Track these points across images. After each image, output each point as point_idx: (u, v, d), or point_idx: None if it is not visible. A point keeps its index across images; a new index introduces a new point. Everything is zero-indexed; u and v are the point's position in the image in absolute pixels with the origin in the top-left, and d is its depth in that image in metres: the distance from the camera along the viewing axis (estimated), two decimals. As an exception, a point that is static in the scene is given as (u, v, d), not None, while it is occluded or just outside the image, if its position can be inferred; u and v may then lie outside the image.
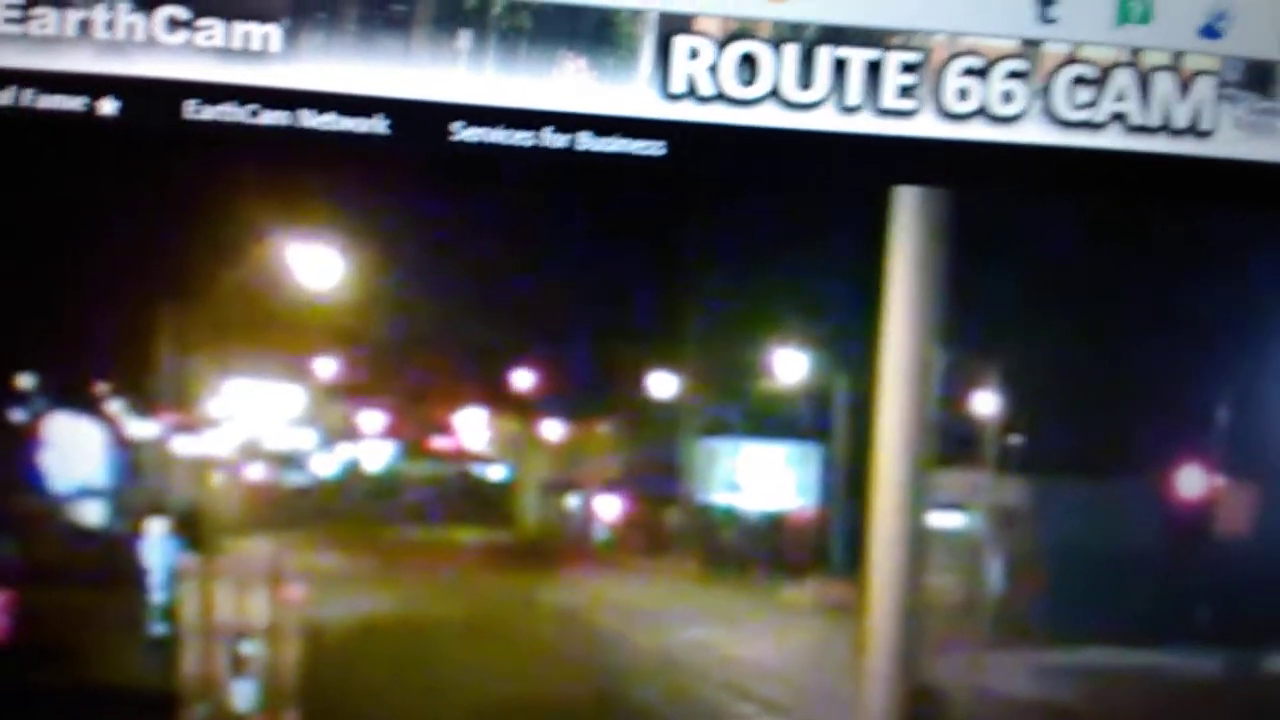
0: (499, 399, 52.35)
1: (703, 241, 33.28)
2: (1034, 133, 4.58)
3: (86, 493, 37.44)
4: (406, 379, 51.55)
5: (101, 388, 52.53)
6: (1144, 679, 19.56)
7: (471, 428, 56.07)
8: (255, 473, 51.71)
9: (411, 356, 46.84)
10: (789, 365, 33.54)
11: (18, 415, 46.51)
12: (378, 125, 4.60)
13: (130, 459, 39.57)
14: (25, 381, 47.28)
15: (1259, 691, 19.28)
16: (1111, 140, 4.59)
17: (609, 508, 39.78)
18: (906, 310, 6.66)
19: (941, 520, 23.20)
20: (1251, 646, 20.28)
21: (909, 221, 6.73)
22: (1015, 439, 30.86)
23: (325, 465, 57.11)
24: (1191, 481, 25.80)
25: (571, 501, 42.95)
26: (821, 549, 31.58)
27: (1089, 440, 26.14)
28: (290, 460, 54.70)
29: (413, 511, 48.70)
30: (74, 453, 37.15)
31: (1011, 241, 22.39)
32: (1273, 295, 24.09)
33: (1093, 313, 26.82)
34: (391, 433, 59.34)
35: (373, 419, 59.66)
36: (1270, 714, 16.85)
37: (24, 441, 38.62)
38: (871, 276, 7.20)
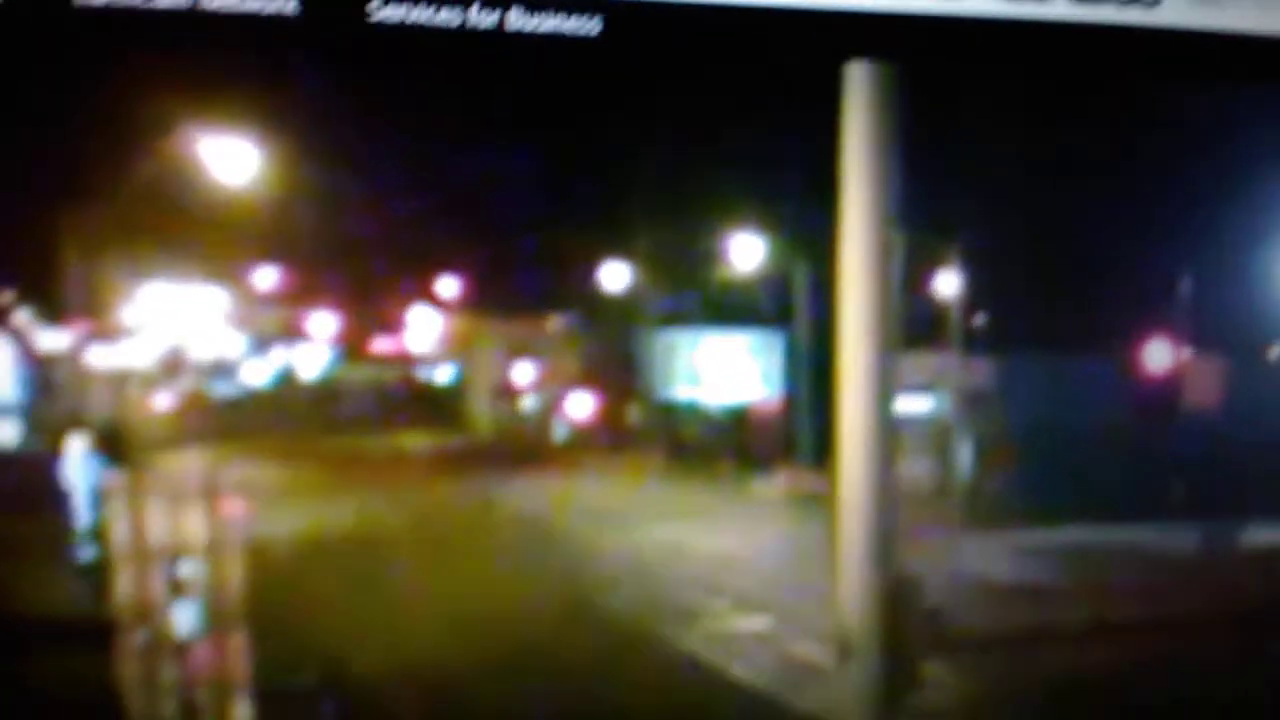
0: (441, 297, 52.12)
1: (648, 125, 33.04)
2: (983, 3, 4.56)
3: (-3, 410, 37.09)
4: (342, 279, 51.14)
5: (5, 297, 51.68)
6: (1121, 555, 20.30)
7: (414, 329, 55.81)
8: (182, 384, 51.36)
9: (345, 254, 46.40)
10: (746, 251, 33.60)
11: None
12: (287, 5, 4.46)
13: (42, 373, 39.11)
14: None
15: (1237, 564, 19.98)
16: (1060, 11, 4.59)
17: (566, 407, 39.98)
18: (864, 191, 6.68)
19: (909, 405, 23.64)
20: (1227, 518, 21.02)
21: (861, 98, 6.72)
22: (980, 319, 31.40)
23: (257, 374, 56.79)
24: (1158, 355, 26.61)
25: (526, 402, 43.12)
26: (788, 440, 32.00)
27: (1054, 318, 26.85)
28: (218, 369, 54.34)
29: (355, 420, 48.72)
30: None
31: (969, 119, 22.54)
32: (1234, 166, 24.52)
33: (1053, 189, 27.21)
34: (328, 337, 58.97)
35: (307, 322, 59.23)
36: (1248, 586, 17.50)
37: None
38: (828, 157, 7.21)
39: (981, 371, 25.73)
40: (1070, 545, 20.94)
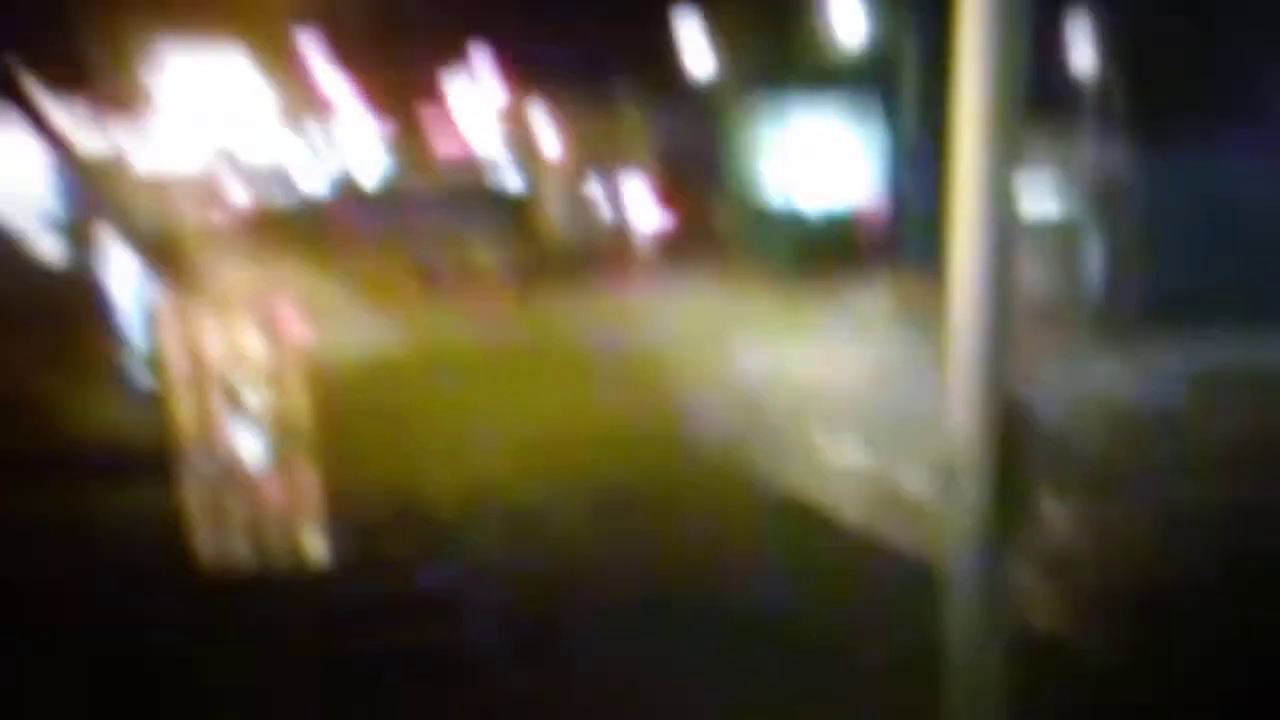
0: (507, 88, 51.51)
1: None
2: None
3: (39, 223, 37.70)
4: (397, 71, 50.69)
5: (35, 88, 52.12)
6: (1268, 379, 19.21)
7: (478, 127, 55.45)
8: (233, 192, 51.92)
9: (400, 42, 45.83)
10: (847, 25, 32.46)
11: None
12: None
13: (86, 182, 39.59)
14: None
15: None
16: None
17: (648, 213, 39.78)
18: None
19: (1033, 202, 22.61)
20: None
21: None
22: (1117, 95, 29.65)
23: (312, 180, 57.11)
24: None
25: (603, 207, 42.95)
26: (894, 246, 31.53)
27: (1201, 84, 24.59)
28: (271, 175, 54.73)
29: (422, 231, 48.97)
30: (18, 177, 37.14)
31: None
32: None
33: None
34: (386, 138, 58.88)
35: (363, 124, 59.11)
36: None
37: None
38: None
39: (1116, 163, 23.97)
40: (1212, 368, 19.97)
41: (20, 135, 38.24)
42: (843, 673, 9.42)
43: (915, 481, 14.17)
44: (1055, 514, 11.97)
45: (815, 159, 34.70)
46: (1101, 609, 10.90)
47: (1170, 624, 10.43)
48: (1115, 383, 19.31)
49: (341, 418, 14.10)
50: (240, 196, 51.55)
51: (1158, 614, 10.59)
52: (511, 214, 49.89)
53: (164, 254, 25.78)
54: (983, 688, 6.65)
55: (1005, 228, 6.48)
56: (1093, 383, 18.87)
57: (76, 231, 36.32)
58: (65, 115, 46.61)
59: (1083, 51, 24.93)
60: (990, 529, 6.64)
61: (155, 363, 16.03)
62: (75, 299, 26.29)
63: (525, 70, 47.12)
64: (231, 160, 52.92)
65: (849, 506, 13.82)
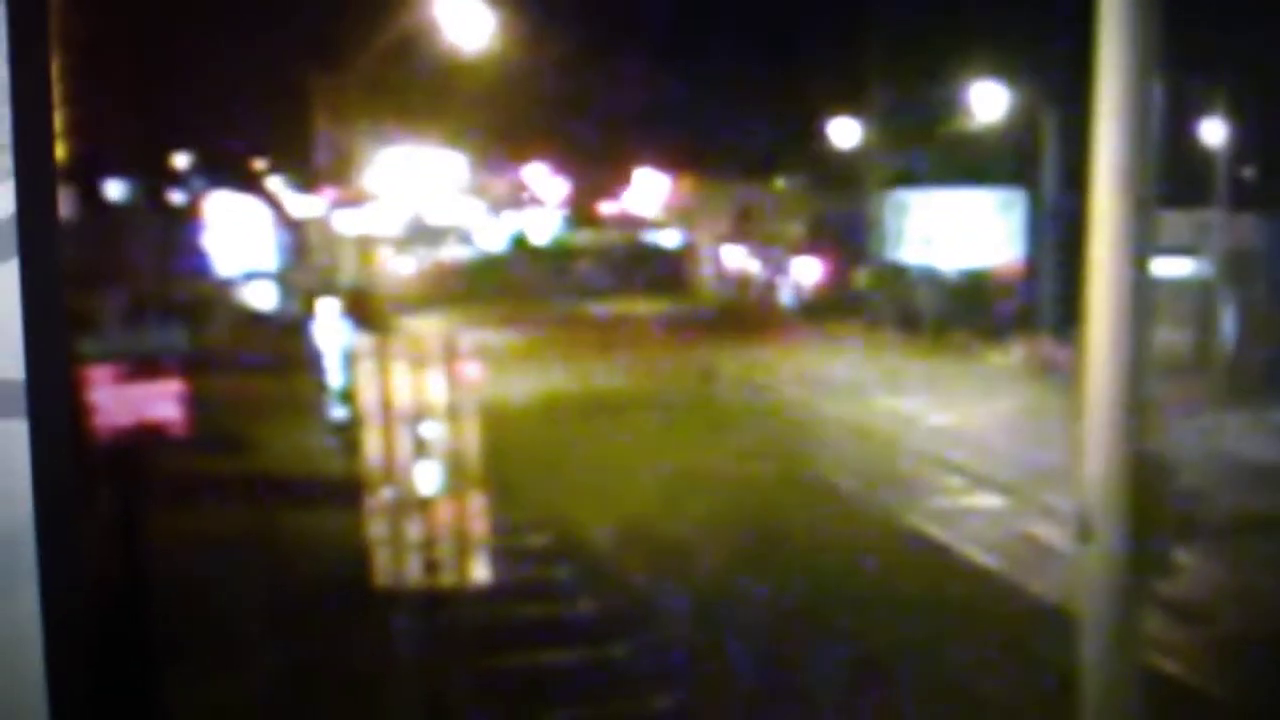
0: (669, 159, 52.01)
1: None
2: None
3: (254, 275, 39.17)
4: (571, 140, 51.58)
5: (260, 164, 54.30)
6: None
7: (641, 192, 56.08)
8: (421, 248, 53.24)
9: (575, 116, 46.68)
10: (988, 100, 31.96)
11: (176, 196, 48.63)
12: None
13: (295, 239, 41.06)
14: (181, 161, 49.17)
15: None
16: None
17: (794, 272, 39.55)
18: (1122, 27, 6.12)
19: (1168, 267, 22.05)
20: None
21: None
22: (1250, 172, 28.79)
23: (491, 239, 58.34)
24: None
25: (753, 266, 42.88)
26: (1029, 306, 30.78)
27: None
28: (455, 234, 56.06)
29: (584, 284, 49.53)
30: (238, 234, 38.71)
31: None
32: None
33: None
34: (558, 200, 59.90)
35: (537, 182, 60.26)
36: None
37: (186, 224, 40.39)
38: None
39: (1249, 230, 23.45)
40: None
41: (247, 202, 39.93)
42: (968, 712, 9.07)
43: (1043, 526, 13.73)
44: (1187, 562, 11.44)
45: (955, 222, 34.18)
46: (1233, 656, 10.36)
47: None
48: (1245, 438, 18.50)
49: (508, 451, 14.19)
50: (428, 253, 52.75)
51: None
52: (669, 270, 50.14)
53: (361, 301, 26.41)
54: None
55: (1139, 288, 6.23)
56: (1223, 438, 18.11)
57: (288, 282, 37.66)
58: (283, 185, 48.50)
59: (1218, 135, 24.32)
60: (1124, 576, 6.32)
61: (348, 399, 16.39)
62: (283, 341, 27.15)
63: (689, 149, 47.57)
64: (420, 219, 54.21)
65: (975, 547, 13.42)
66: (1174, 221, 20.68)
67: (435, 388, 11.64)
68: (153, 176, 43.74)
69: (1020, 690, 9.09)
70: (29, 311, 1.97)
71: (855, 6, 34.31)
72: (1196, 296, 23.58)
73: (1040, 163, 30.37)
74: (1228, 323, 23.35)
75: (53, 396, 1.98)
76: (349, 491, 12.19)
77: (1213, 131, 24.64)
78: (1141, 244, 6.26)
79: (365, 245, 42.02)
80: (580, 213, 59.96)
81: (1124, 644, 6.34)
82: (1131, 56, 6.22)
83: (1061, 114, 28.67)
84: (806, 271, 39.33)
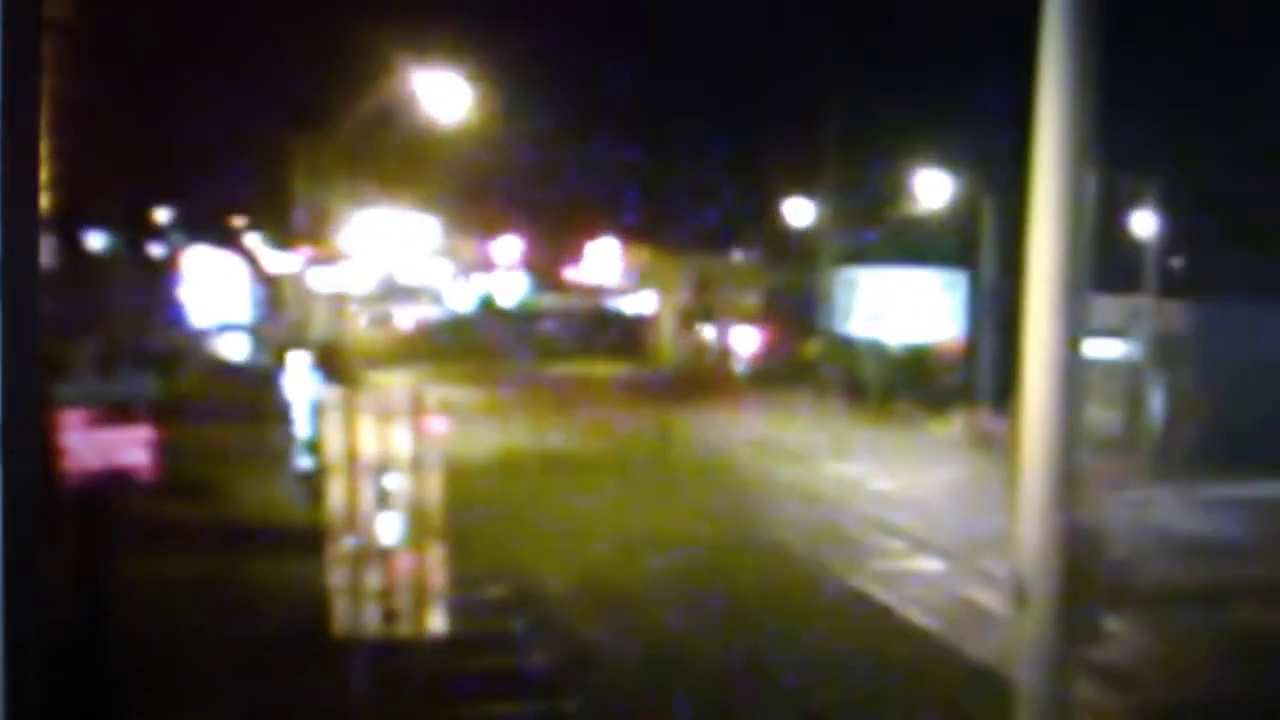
0: (631, 229, 52.33)
1: (840, 60, 32.17)
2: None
3: (228, 327, 38.89)
4: (539, 210, 51.82)
5: (238, 221, 54.12)
6: None
7: (604, 260, 56.29)
8: (392, 306, 53.09)
9: (544, 187, 46.94)
10: (932, 187, 32.51)
11: (156, 250, 48.31)
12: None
13: (269, 293, 40.84)
14: (161, 216, 48.94)
15: None
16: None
17: (747, 340, 39.72)
18: (1058, 125, 6.21)
19: (1100, 349, 22.24)
20: None
21: (1060, 29, 6.26)
22: (1177, 263, 29.21)
23: (460, 300, 58.23)
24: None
25: (708, 334, 43.05)
26: (969, 380, 31.06)
27: (1257, 263, 24.44)
28: (425, 294, 55.95)
29: (548, 345, 49.49)
30: (214, 287, 38.50)
31: (1167, 47, 20.73)
32: None
33: (1261, 126, 24.88)
34: (525, 265, 59.99)
35: (506, 251, 60.35)
36: None
37: (164, 276, 40.12)
38: (1020, 91, 6.80)
39: (1177, 316, 23.59)
40: (1265, 500, 19.41)
41: (219, 255, 39.65)
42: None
43: (980, 591, 13.72)
44: (1118, 630, 11.45)
45: (901, 299, 34.55)
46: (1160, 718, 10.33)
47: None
48: (1172, 512, 18.61)
49: (469, 505, 14.06)
50: (398, 312, 52.62)
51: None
52: (628, 335, 50.13)
53: (331, 356, 26.19)
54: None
55: (1071, 368, 6.30)
56: (1152, 512, 18.20)
57: (260, 335, 37.39)
58: (259, 239, 48.19)
59: (1148, 227, 24.71)
60: (1058, 641, 6.30)
61: (316, 449, 16.19)
62: (253, 391, 26.87)
63: (650, 220, 47.91)
64: (392, 281, 54.10)
65: (915, 609, 13.38)
66: (1106, 306, 20.96)
67: (400, 441, 11.50)
68: (134, 229, 43.47)
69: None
70: (5, 355, 1.91)
71: (811, 94, 34.86)
72: (1126, 377, 23.85)
73: (980, 246, 30.81)
74: (1156, 403, 23.59)
75: (25, 439, 1.91)
76: (311, 539, 11.99)
77: (1143, 223, 25.12)
78: (1074, 326, 6.34)
79: (337, 302, 41.77)
80: (545, 277, 60.00)
81: (1057, 707, 6.30)
82: (1066, 152, 6.34)
83: (1001, 201, 29.15)
84: (748, 341, 39.58)
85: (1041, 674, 6.32)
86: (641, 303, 51.76)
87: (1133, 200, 24.80)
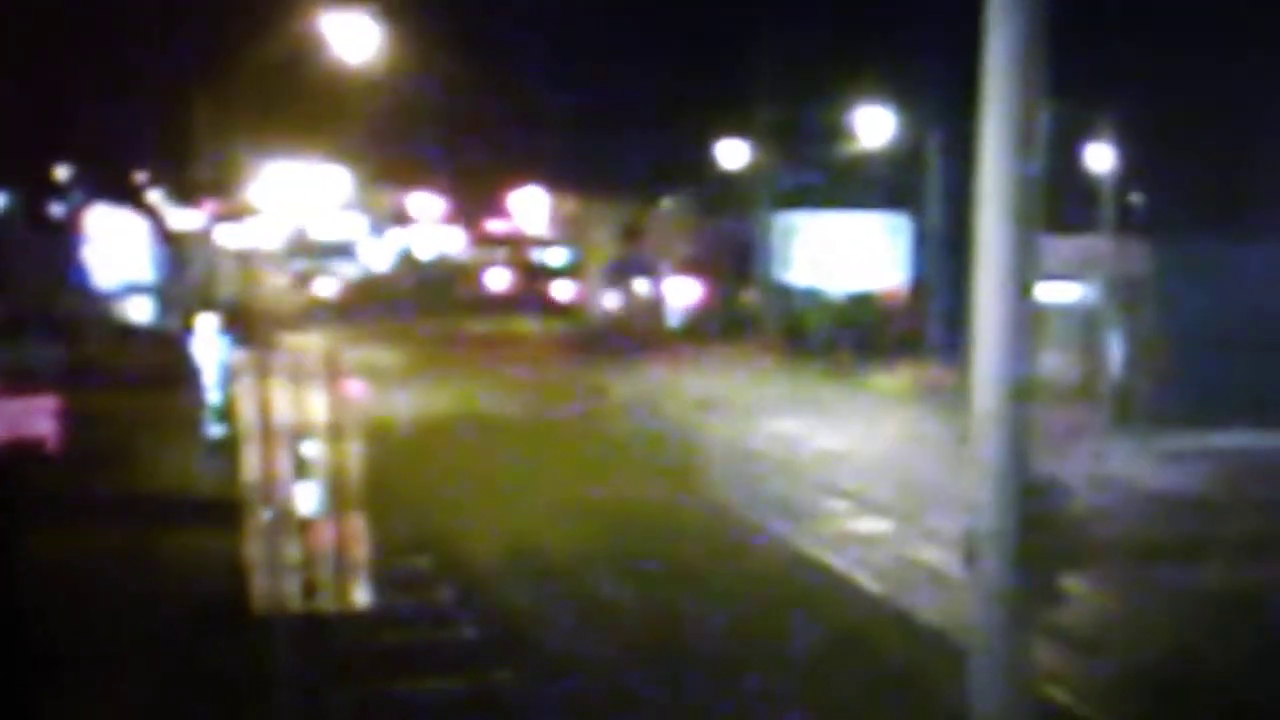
0: (557, 178, 51.84)
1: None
2: None
3: (132, 289, 38.16)
4: (458, 158, 51.16)
5: (140, 177, 52.91)
6: (1276, 467, 18.67)
7: (530, 209, 55.77)
8: (304, 263, 52.32)
9: (464, 135, 46.30)
10: (874, 124, 32.18)
11: (56, 209, 47.17)
12: None
13: (175, 252, 40.10)
14: (61, 173, 47.75)
15: None
16: None
17: (685, 292, 39.58)
18: (1007, 53, 6.09)
19: (1054, 293, 21.99)
20: None
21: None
22: (1136, 199, 28.93)
23: (376, 255, 57.53)
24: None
25: (640, 286, 42.87)
26: (916, 330, 31.16)
27: (1222, 199, 24.05)
28: (339, 250, 55.19)
29: (469, 302, 49.07)
30: (117, 247, 37.69)
31: None
32: None
33: (1223, 45, 24.33)
34: (444, 218, 59.33)
35: (423, 203, 59.62)
36: None
37: (65, 237, 39.21)
38: (968, 15, 6.68)
39: (1136, 257, 23.08)
40: (1228, 452, 19.52)
41: (121, 213, 38.79)
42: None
43: (929, 550, 13.78)
44: (1075, 589, 11.50)
45: (840, 246, 34.55)
46: (1120, 685, 10.41)
47: (1181, 700, 9.96)
48: (1131, 464, 18.75)
49: (391, 471, 13.89)
50: (311, 269, 51.87)
51: (1174, 691, 10.11)
52: (555, 288, 49.70)
53: (241, 317, 25.75)
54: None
55: (1026, 313, 6.23)
56: (1110, 464, 18.33)
57: (167, 296, 36.69)
58: (162, 195, 47.20)
59: (1104, 161, 24.37)
60: (1013, 604, 6.27)
61: (226, 415, 15.93)
62: (162, 356, 26.39)
63: (576, 168, 47.50)
64: (303, 235, 53.33)
65: (861, 572, 13.40)
66: (1061, 247, 20.73)
67: (316, 406, 11.28)
68: (31, 188, 42.41)
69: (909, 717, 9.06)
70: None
71: (744, 29, 34.54)
72: (1084, 323, 23.49)
73: (925, 187, 30.76)
74: (1115, 350, 23.36)
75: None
76: (225, 511, 11.77)
77: (1099, 157, 24.69)
78: (1026, 268, 6.25)
79: (246, 260, 41.05)
80: (467, 229, 59.37)
81: (1012, 670, 6.28)
82: (1017, 81, 6.21)
83: (946, 138, 29.04)
84: (685, 293, 39.42)
85: (997, 639, 6.29)
86: (568, 255, 51.46)
87: (1087, 132, 24.51)
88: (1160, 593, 12.72)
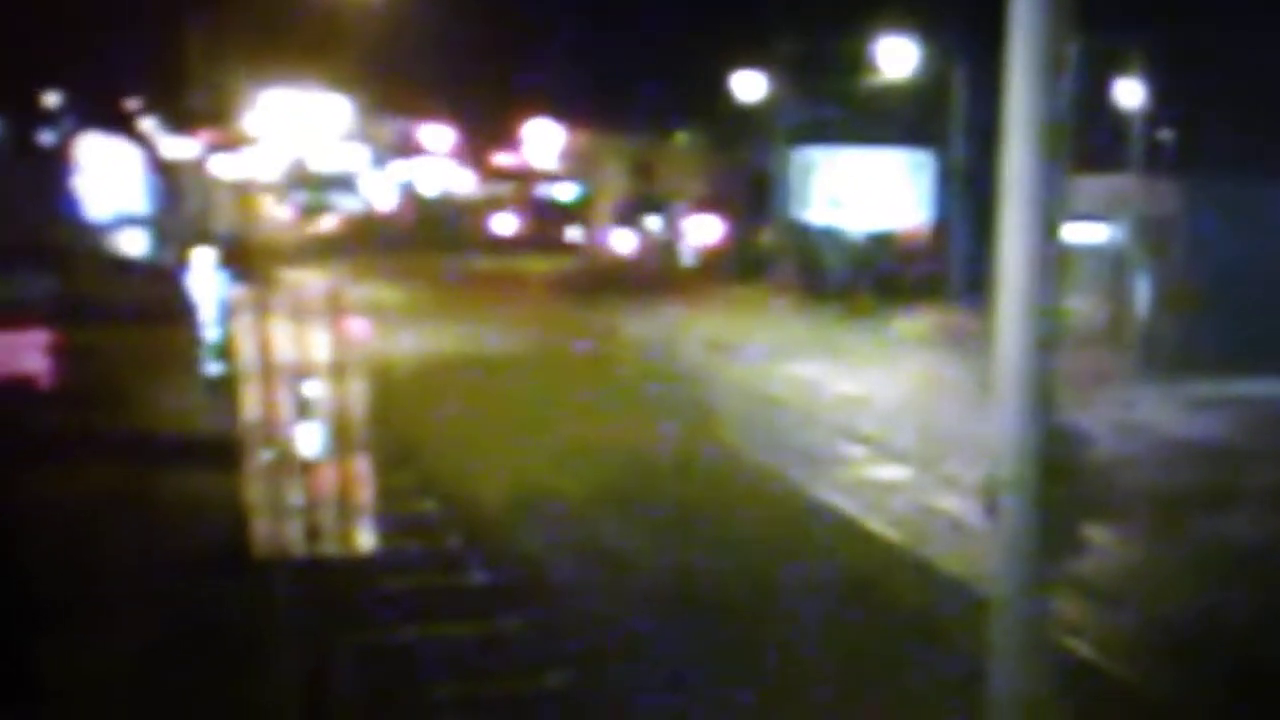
0: (566, 110, 51.44)
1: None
2: None
3: (126, 221, 38.08)
4: (464, 89, 50.82)
5: (132, 104, 52.61)
6: None
7: (542, 142, 55.37)
8: (303, 195, 52.17)
9: (465, 62, 45.97)
10: (896, 55, 31.86)
11: (46, 138, 46.98)
12: None
13: (169, 183, 39.98)
14: (51, 100, 47.48)
15: None
16: None
17: (700, 229, 39.44)
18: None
19: (1081, 234, 21.83)
20: None
21: None
22: (1166, 135, 28.56)
23: (378, 189, 57.29)
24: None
25: (651, 222, 42.73)
26: (938, 271, 31.06)
27: (1256, 136, 23.68)
28: (339, 182, 54.96)
29: (475, 238, 48.93)
30: (110, 177, 37.57)
31: None
32: None
33: None
34: (445, 150, 58.96)
35: (434, 135, 59.22)
36: None
37: (55, 167, 39.07)
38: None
39: (1166, 197, 22.91)
40: (1257, 400, 19.43)
41: (113, 141, 38.64)
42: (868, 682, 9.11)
43: (950, 498, 13.84)
44: (1099, 541, 11.55)
45: (860, 183, 34.33)
46: (1144, 638, 10.50)
47: (1205, 655, 10.05)
48: (1158, 411, 18.73)
49: (395, 412, 13.95)
50: (311, 201, 51.75)
51: (1196, 644, 10.20)
52: (565, 225, 49.50)
53: (239, 251, 25.76)
54: (1026, 711, 6.33)
55: (1051, 255, 6.20)
56: (1136, 411, 18.33)
57: (162, 229, 36.66)
58: (155, 124, 46.98)
59: (1134, 96, 24.01)
60: (1034, 554, 6.32)
61: (225, 353, 15.98)
62: (157, 290, 26.41)
63: (586, 100, 47.16)
64: (303, 169, 53.12)
65: (881, 519, 13.48)
66: (1088, 187, 20.56)
67: (319, 344, 11.31)
68: (20, 116, 42.26)
69: (927, 673, 9.15)
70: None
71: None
72: (1110, 265, 23.43)
73: (950, 122, 30.49)
74: (1142, 293, 23.24)
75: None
76: (225, 451, 11.85)
77: (1129, 92, 24.31)
78: (1054, 207, 6.22)
79: (244, 191, 40.97)
80: (473, 163, 59.04)
81: (1034, 625, 6.35)
82: (1044, 11, 6.17)
83: (971, 71, 28.74)
84: (704, 231, 39.24)
85: (1017, 589, 6.35)
86: (577, 190, 51.23)
87: (1117, 67, 24.15)
88: (1185, 544, 12.77)
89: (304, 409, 11.29)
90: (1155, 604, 11.14)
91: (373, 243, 43.66)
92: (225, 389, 13.45)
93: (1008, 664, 6.30)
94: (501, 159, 57.98)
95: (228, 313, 14.85)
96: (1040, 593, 6.32)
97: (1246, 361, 20.03)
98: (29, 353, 12.01)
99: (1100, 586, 10.59)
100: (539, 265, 41.21)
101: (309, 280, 27.93)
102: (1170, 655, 10.20)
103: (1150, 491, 13.67)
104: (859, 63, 33.18)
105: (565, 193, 51.82)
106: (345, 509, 11.60)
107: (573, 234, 47.85)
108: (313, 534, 11.44)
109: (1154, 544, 12.71)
